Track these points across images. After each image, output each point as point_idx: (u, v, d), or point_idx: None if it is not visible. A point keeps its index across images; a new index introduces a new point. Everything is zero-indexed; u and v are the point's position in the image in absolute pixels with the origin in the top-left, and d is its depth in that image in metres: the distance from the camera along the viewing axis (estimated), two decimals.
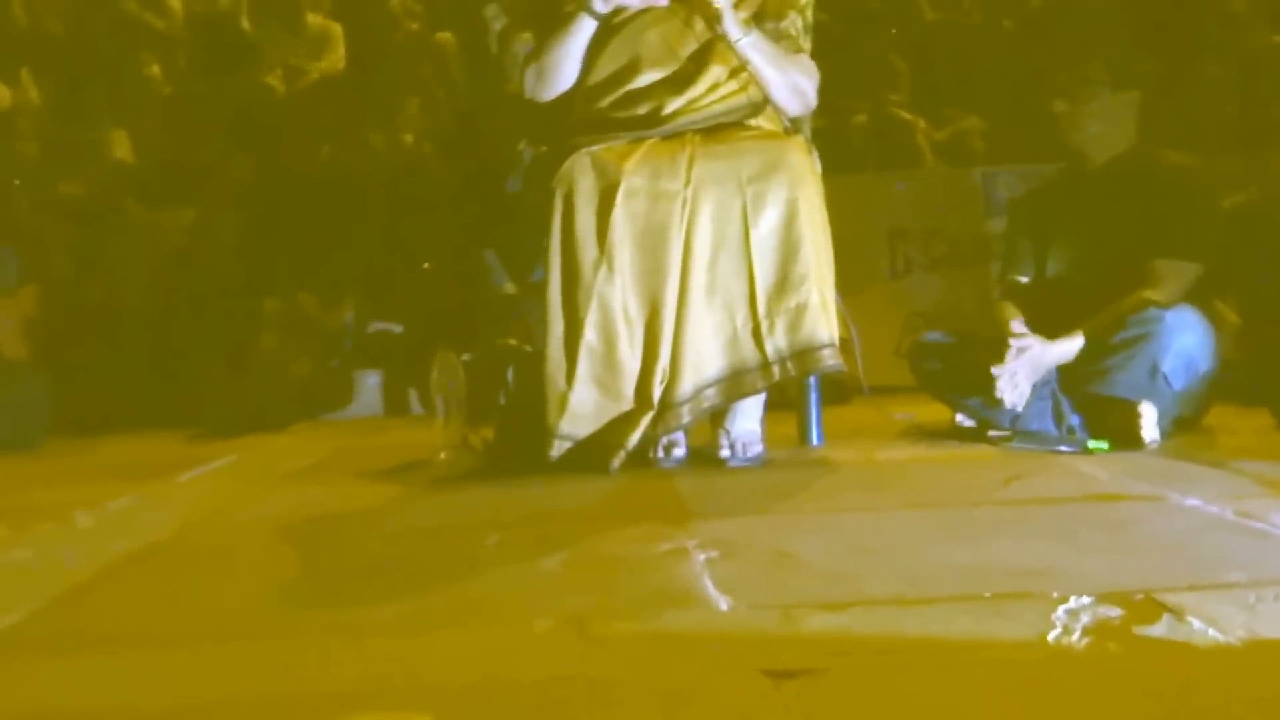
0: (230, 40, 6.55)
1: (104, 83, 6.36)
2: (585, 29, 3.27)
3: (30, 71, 6.57)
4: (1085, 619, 1.58)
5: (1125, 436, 3.17)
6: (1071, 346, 3.35)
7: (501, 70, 5.82)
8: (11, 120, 5.93)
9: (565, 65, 3.30)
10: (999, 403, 3.32)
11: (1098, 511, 2.44)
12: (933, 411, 3.74)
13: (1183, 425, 3.35)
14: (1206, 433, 3.42)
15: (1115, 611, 1.61)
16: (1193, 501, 2.40)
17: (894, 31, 6.38)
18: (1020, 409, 3.33)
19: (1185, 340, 3.28)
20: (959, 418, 3.53)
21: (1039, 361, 3.33)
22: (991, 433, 3.40)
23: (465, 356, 3.62)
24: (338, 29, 6.84)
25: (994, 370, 3.30)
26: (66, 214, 5.28)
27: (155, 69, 6.49)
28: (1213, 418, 3.51)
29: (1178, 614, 1.59)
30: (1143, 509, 2.43)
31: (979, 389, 3.37)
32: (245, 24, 6.97)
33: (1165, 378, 3.26)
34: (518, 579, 2.03)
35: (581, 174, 3.11)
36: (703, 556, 2.06)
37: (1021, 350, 3.31)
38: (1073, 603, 1.65)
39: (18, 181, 5.29)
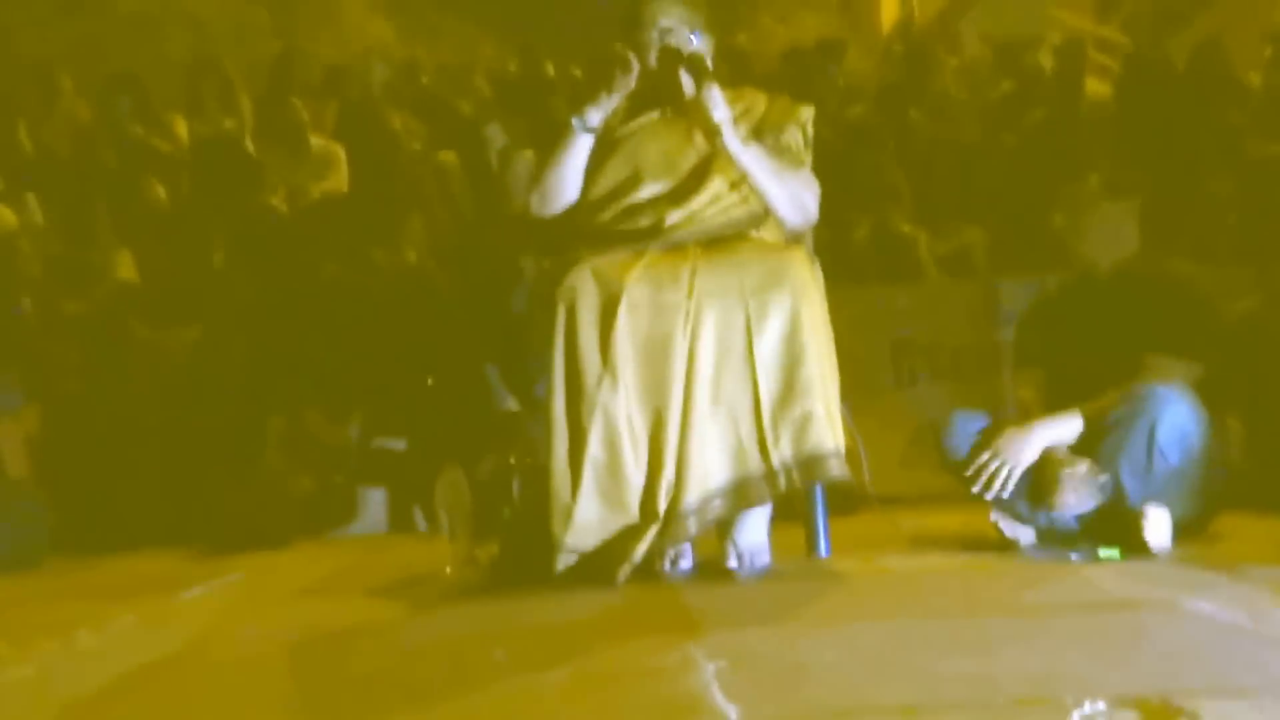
0: (234, 162, 6.64)
1: (108, 204, 6.44)
2: (582, 145, 3.31)
3: (36, 194, 6.66)
4: None
5: (1133, 542, 3.15)
6: (1066, 426, 3.34)
7: (503, 188, 5.91)
8: (15, 242, 5.99)
9: (567, 183, 3.34)
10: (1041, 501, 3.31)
11: (1111, 618, 2.41)
12: (942, 521, 3.71)
13: (1191, 530, 3.32)
14: (1216, 539, 3.38)
15: (1131, 716, 1.58)
16: (1206, 607, 2.37)
17: (893, 147, 6.47)
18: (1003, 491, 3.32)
19: (1177, 411, 3.28)
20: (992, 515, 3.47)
21: (1025, 439, 3.31)
22: (1002, 526, 3.36)
23: (489, 475, 3.62)
24: (340, 150, 6.95)
25: (980, 458, 3.31)
26: (71, 334, 5.31)
27: (160, 190, 6.58)
28: (1222, 525, 3.47)
29: (1194, 718, 1.56)
30: (1156, 616, 2.40)
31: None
32: (249, 146, 7.09)
33: (1161, 451, 3.26)
34: (524, 693, 2.00)
35: (583, 286, 3.13)
36: (711, 667, 2.03)
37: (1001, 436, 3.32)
38: (1087, 708, 1.62)
39: (17, 309, 5.32)
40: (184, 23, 21.30)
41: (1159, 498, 3.23)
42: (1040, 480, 3.31)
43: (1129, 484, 3.26)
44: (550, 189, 3.34)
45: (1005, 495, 3.34)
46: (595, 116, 3.29)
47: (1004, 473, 3.31)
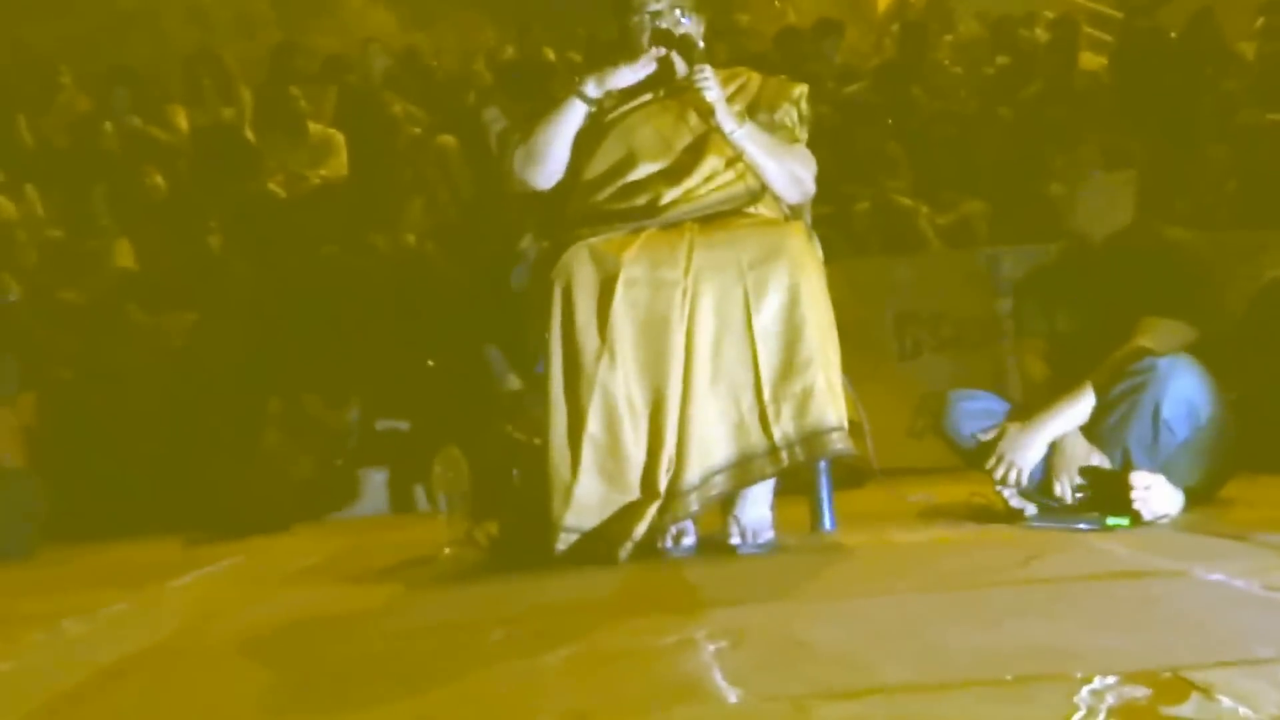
0: (233, 149, 6.63)
1: (107, 192, 6.43)
2: (576, 113, 3.29)
3: (35, 185, 6.67)
4: (1110, 700, 1.52)
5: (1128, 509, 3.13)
6: (1069, 414, 3.33)
7: (502, 170, 5.86)
8: (12, 232, 6.00)
9: (554, 147, 3.31)
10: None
11: (1120, 589, 2.38)
12: (949, 492, 3.68)
13: (1198, 497, 3.29)
14: (1224, 505, 3.35)
15: (1142, 691, 1.54)
16: (1217, 576, 2.33)
17: (891, 121, 6.44)
18: (1024, 485, 3.33)
19: (1183, 383, 3.26)
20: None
21: (1027, 440, 3.31)
22: (1011, 500, 3.34)
23: (487, 445, 3.59)
24: (340, 137, 6.94)
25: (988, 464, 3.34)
26: (68, 321, 5.31)
27: (158, 178, 6.57)
28: (1233, 490, 3.44)
29: (1207, 692, 1.53)
30: (1166, 585, 2.37)
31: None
32: (248, 134, 7.07)
33: (1168, 425, 3.24)
34: (521, 675, 1.96)
35: (580, 265, 3.10)
36: (712, 647, 2.00)
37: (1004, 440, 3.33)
38: (1097, 683, 1.59)
39: (12, 297, 5.31)
40: (185, 16, 21.31)
41: (1168, 469, 3.21)
42: (1049, 472, 3.33)
43: (1137, 457, 3.24)
44: (536, 151, 3.32)
45: (1020, 489, 3.34)
46: (595, 89, 3.27)
47: (1013, 475, 3.33)
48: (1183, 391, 3.25)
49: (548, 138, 3.30)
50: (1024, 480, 3.34)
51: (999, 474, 3.34)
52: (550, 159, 3.31)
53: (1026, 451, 3.33)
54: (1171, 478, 3.21)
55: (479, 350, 4.90)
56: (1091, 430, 3.32)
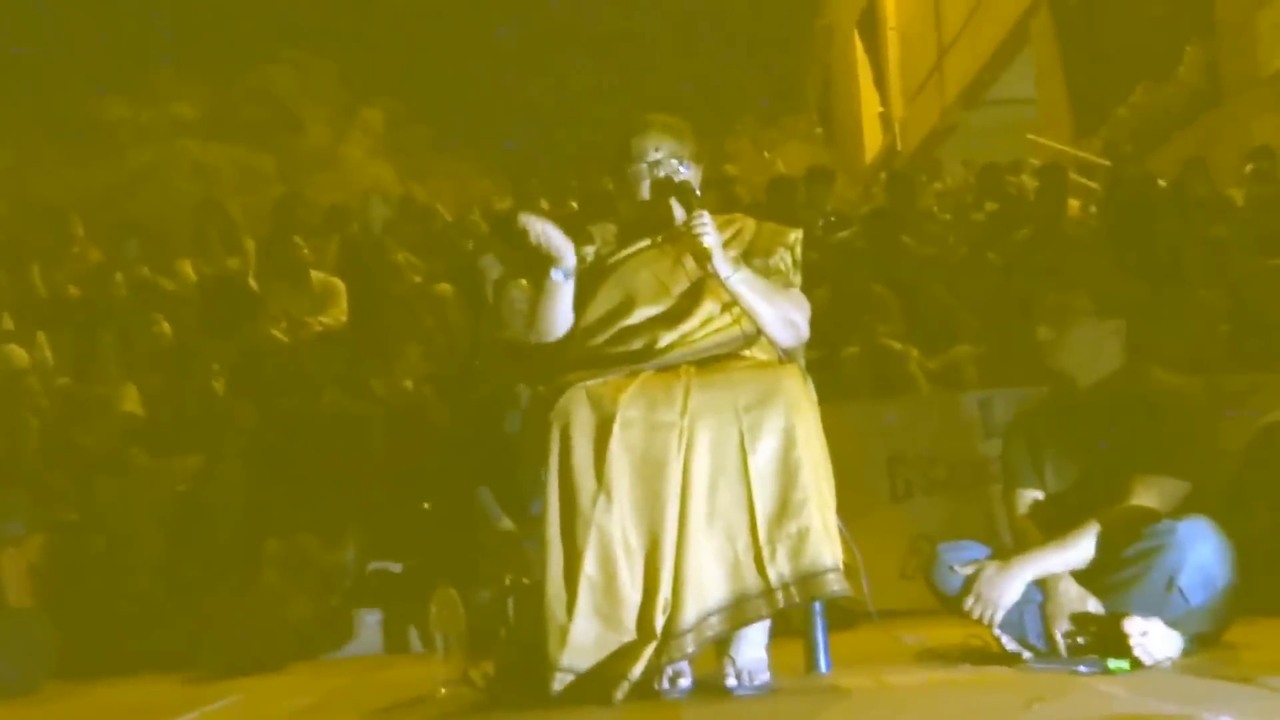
0: (237, 297, 6.76)
1: (115, 340, 6.55)
2: (564, 290, 3.37)
3: (46, 332, 6.79)
4: None
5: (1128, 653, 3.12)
6: (1050, 560, 3.34)
7: (498, 317, 5.98)
8: (24, 378, 6.10)
9: (557, 321, 3.40)
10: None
11: None
12: (944, 634, 3.66)
13: (1204, 641, 3.27)
14: (1227, 649, 3.32)
15: None
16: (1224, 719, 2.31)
17: (882, 267, 6.55)
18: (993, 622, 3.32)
19: (1202, 553, 3.22)
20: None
21: (1004, 581, 3.32)
22: (1007, 644, 3.34)
23: (484, 594, 3.59)
24: (340, 284, 7.07)
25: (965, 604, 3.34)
26: (75, 465, 5.37)
27: (165, 326, 6.70)
28: (1237, 633, 3.40)
29: None
30: None
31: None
32: (252, 282, 7.21)
33: (1182, 592, 3.20)
34: None
35: (578, 407, 3.15)
36: None
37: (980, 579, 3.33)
38: None
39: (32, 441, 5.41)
40: (192, 171, 21.79)
41: (1174, 624, 3.18)
42: (1048, 618, 3.32)
43: (1140, 614, 3.19)
44: (544, 328, 3.41)
45: (1003, 637, 3.34)
46: (568, 266, 3.34)
47: (988, 614, 3.32)
48: (1201, 560, 3.22)
49: (550, 317, 3.39)
50: (997, 619, 3.31)
51: (974, 613, 3.33)
52: (557, 329, 3.41)
53: (1003, 590, 3.32)
54: (1175, 628, 3.18)
55: (473, 492, 4.93)
56: (1093, 582, 3.30)
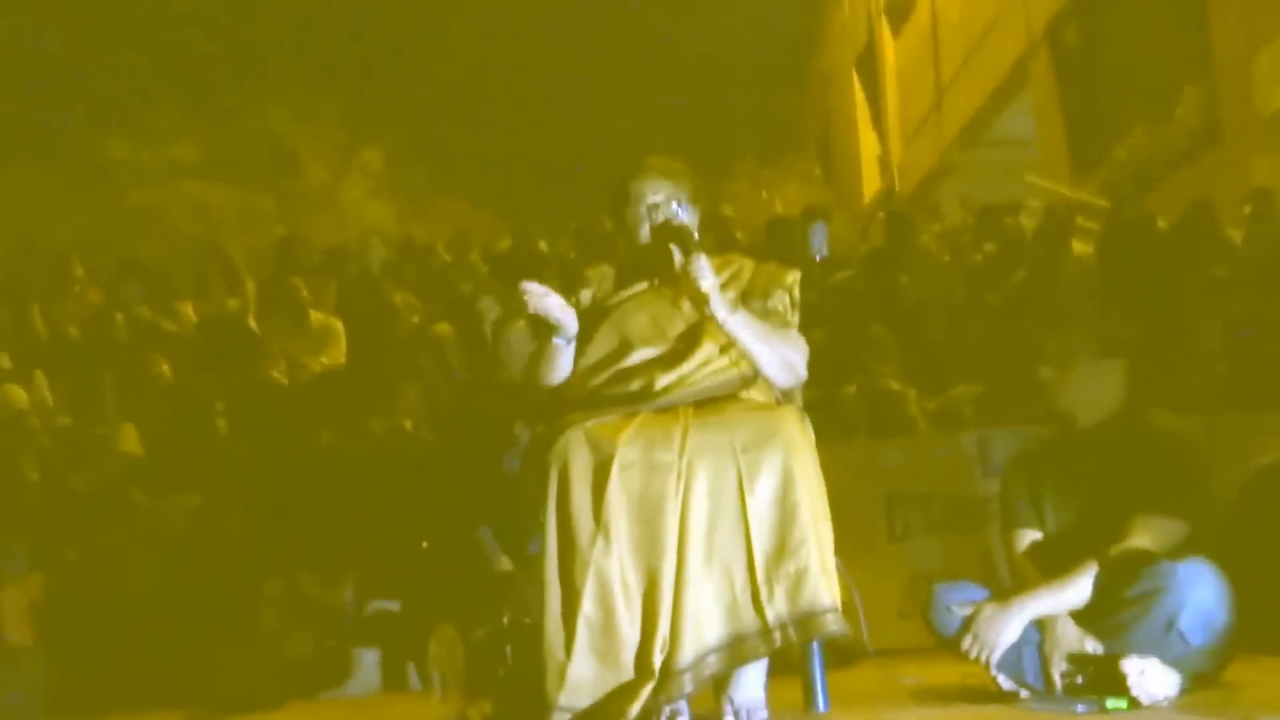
0: (237, 338, 6.79)
1: (115, 380, 6.56)
2: (565, 353, 3.38)
3: (46, 373, 6.81)
4: None
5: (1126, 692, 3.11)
6: (1049, 600, 3.34)
7: (497, 358, 6.00)
8: (26, 419, 6.12)
9: (556, 375, 3.41)
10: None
11: None
12: (942, 673, 3.66)
13: (1202, 680, 3.27)
14: (1226, 688, 3.31)
15: None
16: None
17: (880, 307, 6.57)
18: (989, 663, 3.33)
19: (1202, 595, 3.22)
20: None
21: (1002, 620, 3.32)
22: (1004, 684, 3.33)
23: (482, 633, 3.59)
24: (339, 325, 7.09)
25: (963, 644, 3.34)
26: (75, 505, 5.39)
27: (165, 366, 6.71)
28: (1235, 672, 3.39)
29: None
30: None
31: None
32: (252, 323, 7.24)
33: (1182, 634, 3.20)
34: None
35: (576, 448, 3.16)
36: None
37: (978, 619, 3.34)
38: None
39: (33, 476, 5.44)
40: (191, 212, 21.89)
41: (1174, 664, 3.19)
42: (1045, 658, 3.32)
43: (1139, 652, 3.20)
44: (542, 380, 3.43)
45: (1000, 677, 3.34)
46: (571, 329, 3.35)
47: (985, 654, 3.33)
48: (1201, 602, 3.22)
49: (549, 369, 3.40)
50: (995, 659, 3.32)
51: (971, 653, 3.33)
52: (558, 377, 3.42)
53: (1000, 630, 3.32)
54: (1174, 668, 3.19)
55: (471, 532, 4.94)
56: (1092, 623, 3.30)
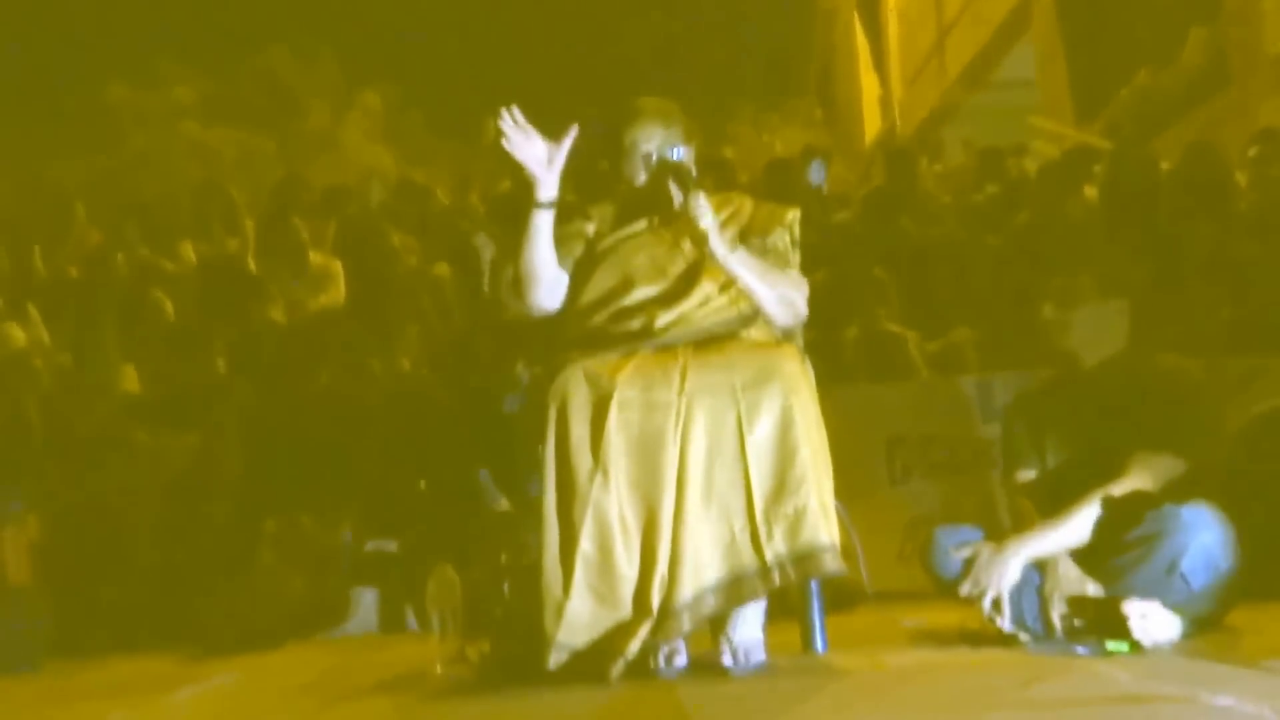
0: (236, 279, 6.76)
1: (115, 320, 6.55)
2: (543, 224, 3.33)
3: (45, 314, 6.80)
4: None
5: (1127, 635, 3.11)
6: (1047, 540, 3.33)
7: (496, 297, 5.96)
8: (27, 359, 6.12)
9: (537, 267, 3.35)
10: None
11: (1126, 715, 2.33)
12: (942, 617, 3.66)
13: (1204, 624, 3.26)
14: (1230, 632, 3.30)
15: None
16: (1226, 701, 2.29)
17: (880, 249, 6.53)
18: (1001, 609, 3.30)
19: (1205, 538, 3.21)
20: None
21: (1001, 562, 3.30)
22: (1004, 626, 3.33)
23: (480, 573, 3.60)
24: (338, 266, 7.06)
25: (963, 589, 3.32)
26: (75, 446, 5.39)
27: (167, 305, 6.70)
28: (1238, 618, 3.37)
29: None
30: (1174, 710, 2.32)
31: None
32: (251, 264, 7.21)
33: (1184, 576, 3.19)
34: None
35: (575, 387, 3.15)
36: None
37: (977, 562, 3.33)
38: None
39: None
40: (193, 154, 21.84)
41: (1176, 609, 3.18)
42: (1044, 600, 3.31)
43: (1142, 596, 3.19)
44: (523, 272, 3.37)
45: (999, 619, 3.32)
46: (545, 190, 3.31)
47: (986, 599, 3.31)
48: (1204, 545, 3.20)
49: (528, 258, 3.35)
50: (1004, 603, 3.30)
51: (969, 594, 3.32)
52: (538, 279, 3.37)
53: (1000, 573, 3.30)
54: (1176, 611, 3.18)
55: (470, 472, 4.94)
56: (1094, 566, 3.29)
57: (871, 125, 21.53)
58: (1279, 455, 4.42)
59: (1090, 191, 7.40)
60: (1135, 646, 3.07)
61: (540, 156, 3.31)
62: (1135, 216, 6.59)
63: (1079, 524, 3.34)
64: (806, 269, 3.54)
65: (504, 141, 3.28)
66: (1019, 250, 6.42)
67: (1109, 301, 3.63)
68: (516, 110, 3.30)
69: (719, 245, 3.25)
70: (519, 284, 3.38)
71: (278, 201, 8.18)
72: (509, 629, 3.26)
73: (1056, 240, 6.38)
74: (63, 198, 9.00)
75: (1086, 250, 6.23)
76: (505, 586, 3.37)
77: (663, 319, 3.32)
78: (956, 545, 3.43)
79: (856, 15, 22.07)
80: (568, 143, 3.32)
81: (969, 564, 3.37)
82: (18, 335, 6.45)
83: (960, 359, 5.73)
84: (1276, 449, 4.45)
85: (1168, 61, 12.19)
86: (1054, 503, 3.48)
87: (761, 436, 3.10)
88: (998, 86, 16.58)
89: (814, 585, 3.36)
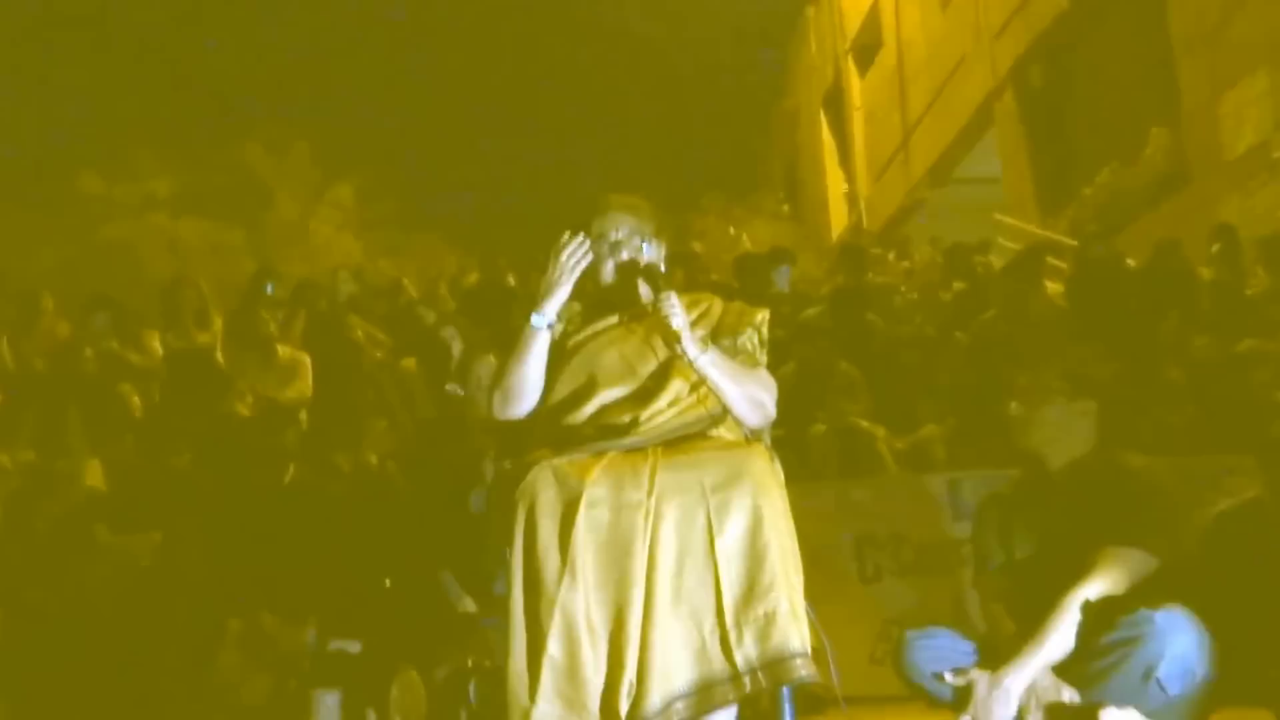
0: (204, 372, 6.73)
1: (81, 413, 6.49)
2: (539, 342, 3.35)
3: (12, 406, 6.73)
4: None
5: None
6: (1038, 659, 3.29)
7: (465, 393, 5.95)
8: None
9: (528, 384, 3.37)
10: None
11: None
12: None
13: None
14: None
15: None
16: None
17: (848, 346, 6.57)
18: None
19: (1180, 644, 3.15)
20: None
21: (1000, 698, 3.26)
22: None
23: (443, 673, 3.54)
24: (306, 359, 7.05)
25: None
26: (37, 543, 5.31)
27: (134, 399, 6.65)
28: None
29: None
30: None
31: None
32: (219, 357, 7.18)
33: (1160, 684, 3.14)
34: None
35: (544, 486, 3.12)
36: None
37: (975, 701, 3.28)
38: None
39: None
40: (162, 245, 21.84)
41: (1152, 714, 3.15)
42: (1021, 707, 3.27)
43: (1116, 702, 3.16)
44: (512, 388, 3.37)
45: None
46: (552, 309, 3.34)
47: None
48: (1180, 651, 3.14)
49: (521, 375, 3.35)
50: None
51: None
52: (525, 395, 3.37)
53: (1004, 705, 3.24)
54: (1152, 718, 3.15)
55: (436, 572, 4.88)
56: (1068, 671, 3.26)
57: (838, 219, 21.80)
58: (1244, 551, 4.41)
59: (1054, 287, 7.49)
60: None
61: (567, 275, 3.34)
62: (1102, 313, 6.65)
63: (1064, 634, 3.28)
64: (774, 364, 3.54)
65: (567, 258, 3.31)
66: (986, 347, 6.46)
67: (1075, 402, 3.62)
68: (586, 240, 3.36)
69: (691, 346, 3.26)
70: (507, 396, 3.38)
71: (249, 295, 8.18)
72: None
73: (1023, 337, 6.43)
74: (30, 289, 8.95)
75: (1053, 347, 6.28)
76: (471, 689, 3.31)
77: (632, 419, 3.30)
78: (951, 672, 3.38)
79: (822, 113, 22.45)
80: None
81: (964, 694, 3.32)
82: None
83: (929, 456, 5.75)
84: (1242, 545, 4.45)
85: (1130, 160, 12.43)
86: (1025, 602, 3.46)
87: (731, 538, 3.07)
88: (963, 183, 16.89)
89: (785, 691, 3.32)
